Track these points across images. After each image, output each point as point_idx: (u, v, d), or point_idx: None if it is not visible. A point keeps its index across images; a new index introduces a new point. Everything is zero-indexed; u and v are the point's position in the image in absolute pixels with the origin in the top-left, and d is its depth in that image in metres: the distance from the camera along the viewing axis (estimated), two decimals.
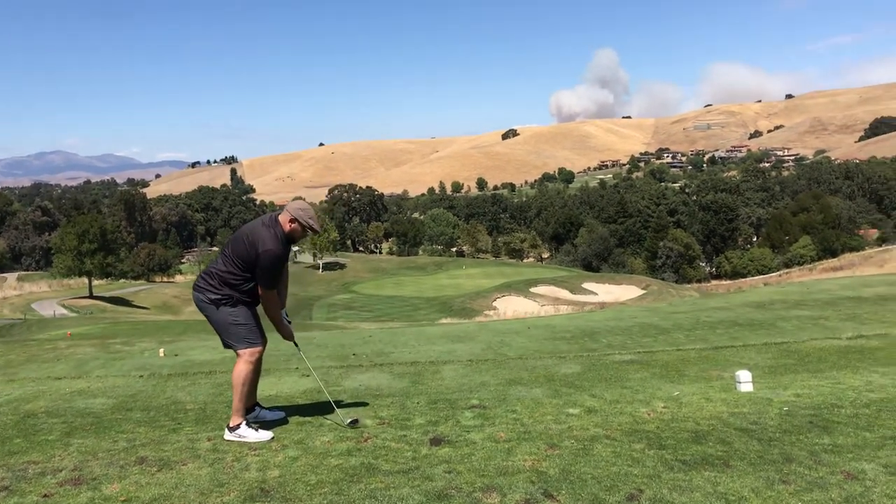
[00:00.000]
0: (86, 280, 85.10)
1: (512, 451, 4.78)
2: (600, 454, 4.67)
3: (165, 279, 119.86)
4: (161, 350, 16.80)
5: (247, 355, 5.47)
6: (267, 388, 7.67)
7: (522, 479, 4.20)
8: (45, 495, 4.16)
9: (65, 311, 67.28)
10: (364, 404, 6.64)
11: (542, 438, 5.09)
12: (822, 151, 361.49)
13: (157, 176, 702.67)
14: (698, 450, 4.72)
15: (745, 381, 6.71)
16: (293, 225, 5.43)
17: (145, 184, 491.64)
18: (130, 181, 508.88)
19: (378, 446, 5.01)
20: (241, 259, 5.36)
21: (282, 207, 5.63)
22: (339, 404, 6.46)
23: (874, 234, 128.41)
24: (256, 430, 5.37)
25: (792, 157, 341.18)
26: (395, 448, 4.96)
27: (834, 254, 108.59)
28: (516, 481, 4.15)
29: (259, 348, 5.55)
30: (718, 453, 4.63)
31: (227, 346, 5.56)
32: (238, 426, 5.34)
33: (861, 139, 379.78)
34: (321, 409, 6.45)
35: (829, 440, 4.88)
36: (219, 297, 5.43)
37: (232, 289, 5.43)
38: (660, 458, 4.57)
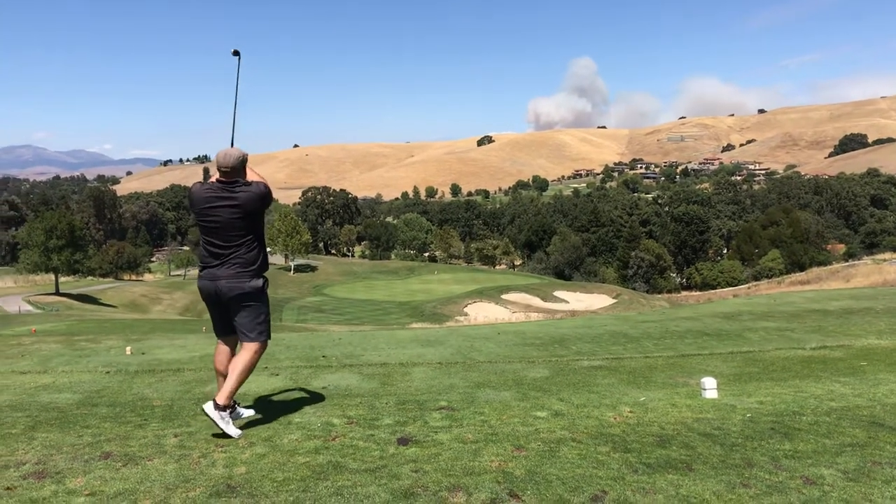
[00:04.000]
0: (52, 276, 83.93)
1: (479, 452, 4.80)
2: (566, 456, 4.71)
3: (134, 277, 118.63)
4: (128, 348, 16.58)
5: (262, 347, 5.60)
6: None
7: (489, 479, 4.23)
8: (8, 488, 4.12)
9: (30, 308, 66.22)
10: (333, 403, 6.64)
11: (508, 440, 5.13)
12: (793, 166, 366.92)
13: (129, 173, 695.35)
14: (662, 454, 4.78)
15: (710, 388, 6.81)
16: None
17: (116, 181, 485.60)
18: (101, 178, 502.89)
19: (346, 445, 5.01)
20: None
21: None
22: (307, 402, 6.46)
23: (841, 248, 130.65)
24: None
25: (763, 171, 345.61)
26: (363, 447, 4.96)
27: (802, 268, 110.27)
28: (482, 481, 4.18)
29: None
30: (682, 457, 4.70)
31: (247, 337, 5.56)
32: (227, 408, 5.34)
33: (830, 155, 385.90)
34: (290, 407, 6.44)
35: (790, 446, 4.97)
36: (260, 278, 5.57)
37: (262, 262, 5.60)
38: (624, 461, 4.62)
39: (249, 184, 5.49)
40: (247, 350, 5.51)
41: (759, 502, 3.88)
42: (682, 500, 3.90)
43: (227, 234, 5.41)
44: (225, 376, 5.64)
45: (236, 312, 5.51)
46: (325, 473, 4.35)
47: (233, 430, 5.28)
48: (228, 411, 5.37)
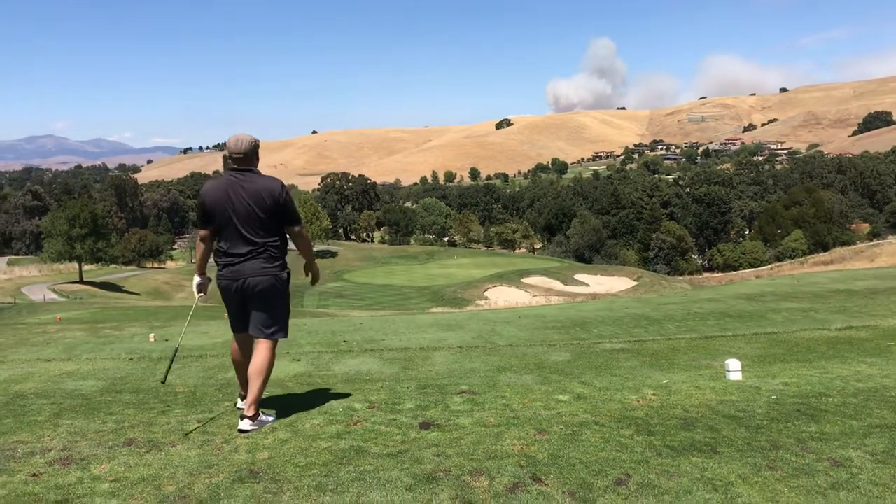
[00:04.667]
0: (76, 265, 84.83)
1: (501, 436, 4.78)
2: (589, 440, 4.68)
3: (156, 265, 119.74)
4: (151, 335, 16.76)
5: (275, 344, 5.38)
6: None
7: (511, 463, 4.21)
8: (34, 474, 4.16)
9: (55, 296, 67.06)
10: (355, 388, 6.64)
11: (531, 424, 5.10)
12: (816, 145, 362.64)
13: (149, 161, 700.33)
14: (686, 436, 4.74)
15: (734, 369, 6.74)
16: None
17: (137, 169, 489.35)
18: (122, 166, 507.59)
19: (368, 430, 5.01)
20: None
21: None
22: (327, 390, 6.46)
23: (865, 228, 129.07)
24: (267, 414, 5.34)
25: (785, 151, 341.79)
26: (385, 431, 4.96)
27: (825, 248, 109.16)
28: (505, 465, 4.16)
29: None
30: (706, 440, 4.65)
31: (262, 333, 5.29)
32: (257, 415, 5.16)
33: (854, 133, 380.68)
34: (311, 393, 6.45)
35: (817, 428, 4.90)
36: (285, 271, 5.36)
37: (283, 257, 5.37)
38: (648, 444, 4.58)
39: (266, 177, 5.23)
40: (262, 350, 5.26)
41: (786, 485, 3.83)
42: (707, 483, 3.86)
43: (248, 228, 5.13)
44: (241, 367, 5.56)
45: (256, 307, 5.25)
46: (348, 458, 4.35)
47: (268, 419, 5.26)
48: (260, 411, 5.25)
